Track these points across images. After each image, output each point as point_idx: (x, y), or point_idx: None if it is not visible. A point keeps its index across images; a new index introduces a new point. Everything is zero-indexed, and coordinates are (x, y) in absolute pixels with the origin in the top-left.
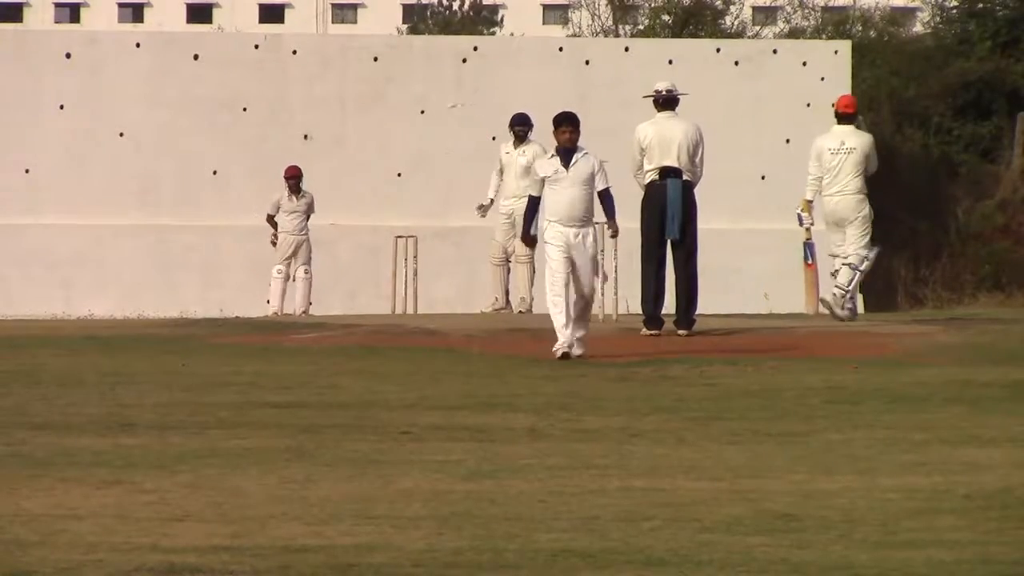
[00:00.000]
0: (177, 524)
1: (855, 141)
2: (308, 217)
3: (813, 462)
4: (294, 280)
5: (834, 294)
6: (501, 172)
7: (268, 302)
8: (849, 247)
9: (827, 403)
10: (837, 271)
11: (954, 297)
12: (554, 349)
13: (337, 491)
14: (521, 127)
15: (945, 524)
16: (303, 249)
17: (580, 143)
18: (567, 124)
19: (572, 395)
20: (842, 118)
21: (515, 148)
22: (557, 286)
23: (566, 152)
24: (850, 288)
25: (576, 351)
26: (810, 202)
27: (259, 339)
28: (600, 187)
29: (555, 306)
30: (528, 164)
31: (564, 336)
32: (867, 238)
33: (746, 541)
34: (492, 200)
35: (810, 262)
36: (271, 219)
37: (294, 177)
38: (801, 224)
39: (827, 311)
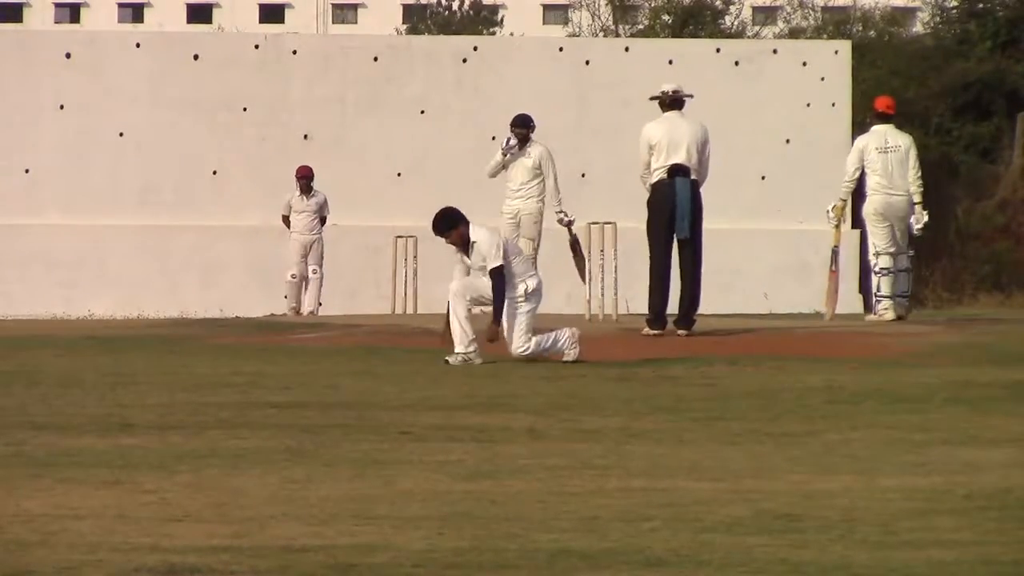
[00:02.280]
0: (177, 524)
1: (900, 139)
2: (322, 219)
3: (813, 462)
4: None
5: (905, 307)
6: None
7: (286, 299)
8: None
9: (827, 403)
10: (886, 269)
11: (954, 297)
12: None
13: (337, 491)
14: (522, 128)
15: (945, 524)
16: (315, 248)
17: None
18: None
19: (572, 395)
20: (882, 118)
21: (520, 149)
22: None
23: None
24: (909, 291)
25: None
26: (845, 203)
27: (259, 339)
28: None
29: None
30: (534, 165)
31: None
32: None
33: (746, 541)
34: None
35: (833, 268)
36: (286, 220)
37: (304, 177)
38: (829, 221)
39: (900, 316)
